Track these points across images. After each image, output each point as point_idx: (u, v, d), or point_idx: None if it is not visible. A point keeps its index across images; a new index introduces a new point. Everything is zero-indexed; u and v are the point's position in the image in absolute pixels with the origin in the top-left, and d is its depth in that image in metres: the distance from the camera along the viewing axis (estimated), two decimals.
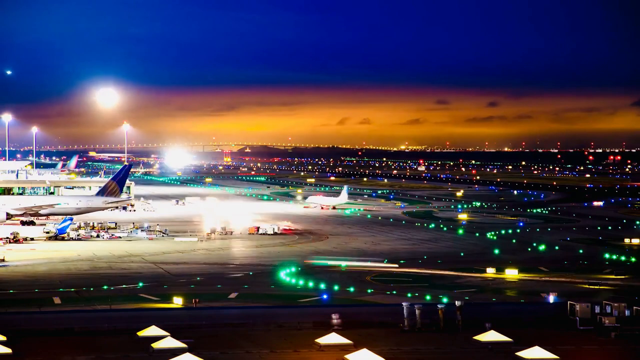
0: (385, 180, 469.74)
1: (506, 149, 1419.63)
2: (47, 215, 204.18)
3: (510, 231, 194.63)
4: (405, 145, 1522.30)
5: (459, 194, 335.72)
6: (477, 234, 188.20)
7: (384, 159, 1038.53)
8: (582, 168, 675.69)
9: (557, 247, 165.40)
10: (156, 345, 73.28)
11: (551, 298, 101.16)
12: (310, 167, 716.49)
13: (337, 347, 74.01)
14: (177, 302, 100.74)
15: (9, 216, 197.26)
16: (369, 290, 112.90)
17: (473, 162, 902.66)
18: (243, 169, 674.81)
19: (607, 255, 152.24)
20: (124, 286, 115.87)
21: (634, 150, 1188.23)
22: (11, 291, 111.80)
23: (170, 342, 73.52)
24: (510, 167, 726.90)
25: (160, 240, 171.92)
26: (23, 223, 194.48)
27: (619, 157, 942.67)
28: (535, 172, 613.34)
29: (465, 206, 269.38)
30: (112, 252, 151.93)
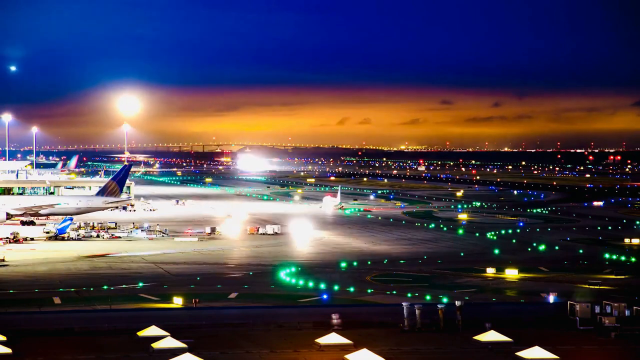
0: (385, 180, 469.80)
1: (506, 149, 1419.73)
2: (47, 215, 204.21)
3: (510, 231, 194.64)
4: (405, 145, 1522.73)
5: (459, 194, 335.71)
6: (477, 234, 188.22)
7: (384, 159, 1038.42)
8: (582, 168, 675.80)
9: (557, 247, 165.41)
10: (156, 345, 73.27)
11: (551, 298, 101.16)
12: (310, 167, 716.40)
13: (337, 347, 74.00)
14: (177, 302, 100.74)
15: (9, 216, 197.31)
16: (369, 290, 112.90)
17: (473, 162, 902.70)
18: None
19: (607, 255, 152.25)
20: (124, 286, 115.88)
21: (634, 150, 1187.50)
22: (11, 291, 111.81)
23: (170, 342, 73.50)
24: (510, 167, 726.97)
25: (160, 240, 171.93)
26: (23, 223, 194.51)
27: (619, 157, 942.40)
28: (535, 172, 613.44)
29: (465, 206, 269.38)
30: (112, 252, 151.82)
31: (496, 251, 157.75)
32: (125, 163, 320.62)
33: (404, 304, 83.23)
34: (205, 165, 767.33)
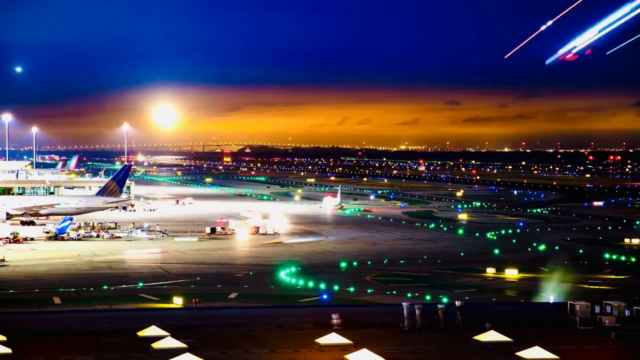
0: (385, 180, 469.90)
1: (506, 149, 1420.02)
2: (47, 215, 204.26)
3: (510, 231, 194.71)
4: (405, 145, 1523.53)
5: (459, 194, 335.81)
6: (477, 234, 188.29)
7: (384, 159, 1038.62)
8: (582, 168, 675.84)
9: (557, 247, 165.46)
10: (156, 345, 73.25)
11: (551, 298, 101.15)
12: (310, 167, 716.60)
13: (337, 347, 73.97)
14: (177, 302, 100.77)
15: (9, 216, 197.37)
16: (369, 290, 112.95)
17: (473, 162, 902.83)
18: (243, 169, 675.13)
19: (607, 255, 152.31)
20: (124, 286, 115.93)
21: (633, 150, 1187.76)
22: (11, 291, 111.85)
23: (170, 342, 73.48)
24: (510, 167, 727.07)
25: (160, 240, 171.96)
26: (23, 223, 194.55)
27: (619, 157, 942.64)
28: (535, 172, 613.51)
29: (465, 206, 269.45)
30: (112, 252, 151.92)
31: (496, 251, 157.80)
32: (125, 163, 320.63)
33: (404, 304, 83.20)
34: (205, 166, 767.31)
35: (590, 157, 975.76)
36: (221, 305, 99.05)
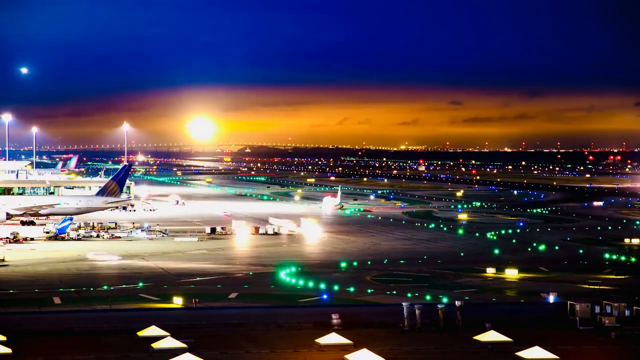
0: (385, 180, 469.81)
1: (506, 149, 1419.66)
2: (47, 215, 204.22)
3: (510, 231, 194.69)
4: (405, 145, 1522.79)
5: (459, 194, 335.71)
6: (477, 234, 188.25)
7: (384, 159, 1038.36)
8: (582, 168, 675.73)
9: (557, 247, 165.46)
10: (156, 345, 73.30)
11: (551, 298, 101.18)
12: (310, 167, 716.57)
13: (337, 347, 74.02)
14: (177, 302, 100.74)
15: (9, 216, 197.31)
16: (369, 290, 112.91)
17: (473, 162, 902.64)
18: (243, 169, 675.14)
19: (607, 255, 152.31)
20: (124, 286, 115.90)
21: (634, 150, 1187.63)
22: (11, 291, 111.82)
23: (170, 342, 73.53)
24: (510, 167, 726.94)
25: (160, 240, 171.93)
26: (23, 223, 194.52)
27: (619, 157, 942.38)
28: (535, 172, 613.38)
29: (465, 206, 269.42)
30: (111, 252, 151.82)
31: (496, 251, 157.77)
32: (125, 163, 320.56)
33: (404, 304, 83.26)
34: (205, 166, 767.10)
35: (590, 157, 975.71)
36: (221, 305, 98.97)
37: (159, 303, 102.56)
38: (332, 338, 75.68)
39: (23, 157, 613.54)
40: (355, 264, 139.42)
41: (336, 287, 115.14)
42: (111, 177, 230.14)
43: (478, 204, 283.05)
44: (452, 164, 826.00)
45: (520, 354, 71.59)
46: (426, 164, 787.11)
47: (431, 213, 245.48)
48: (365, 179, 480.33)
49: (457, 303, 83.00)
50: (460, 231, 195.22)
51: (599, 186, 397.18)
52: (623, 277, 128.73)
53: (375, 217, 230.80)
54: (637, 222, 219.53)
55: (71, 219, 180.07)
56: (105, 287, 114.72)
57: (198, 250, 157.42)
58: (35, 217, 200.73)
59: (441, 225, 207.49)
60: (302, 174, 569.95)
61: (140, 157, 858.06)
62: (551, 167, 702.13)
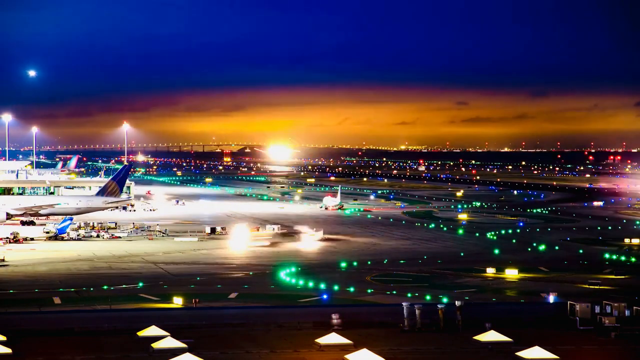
0: (385, 180, 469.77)
1: (506, 149, 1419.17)
2: (47, 215, 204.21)
3: (510, 231, 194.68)
4: (405, 145, 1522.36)
5: (459, 194, 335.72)
6: (477, 234, 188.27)
7: (384, 159, 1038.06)
8: (582, 168, 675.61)
9: (557, 247, 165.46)
10: (156, 345, 73.31)
11: (551, 298, 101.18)
12: (310, 167, 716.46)
13: (337, 347, 74.04)
14: (177, 302, 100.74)
15: (9, 216, 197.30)
16: (369, 290, 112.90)
17: (473, 162, 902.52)
18: (243, 169, 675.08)
19: (607, 255, 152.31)
20: (124, 286, 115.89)
21: (634, 150, 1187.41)
22: (11, 291, 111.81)
23: (170, 342, 73.55)
24: (510, 167, 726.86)
25: (160, 240, 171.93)
26: (23, 223, 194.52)
27: (619, 157, 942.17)
28: (535, 172, 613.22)
29: (465, 206, 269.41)
30: (112, 252, 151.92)
31: (496, 251, 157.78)
32: (125, 163, 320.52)
33: (404, 304, 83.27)
34: (205, 166, 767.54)
35: (590, 157, 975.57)
36: (221, 305, 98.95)
37: (159, 303, 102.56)
38: (332, 338, 75.70)
39: (20, 156, 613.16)
40: (355, 264, 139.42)
41: (336, 287, 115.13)
42: (111, 177, 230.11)
43: (478, 204, 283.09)
44: (452, 164, 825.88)
45: (520, 354, 71.60)
46: (426, 164, 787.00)
47: (431, 213, 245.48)
48: (365, 179, 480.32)
49: (457, 303, 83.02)
50: (460, 231, 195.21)
51: (599, 186, 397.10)
52: (623, 277, 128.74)
53: (375, 217, 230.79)
54: (637, 222, 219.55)
55: (71, 219, 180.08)
56: (105, 287, 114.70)
57: (198, 250, 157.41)
58: (35, 217, 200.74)
59: (441, 225, 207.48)
60: (302, 174, 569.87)
61: (140, 157, 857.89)
62: (551, 167, 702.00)
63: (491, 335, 77.17)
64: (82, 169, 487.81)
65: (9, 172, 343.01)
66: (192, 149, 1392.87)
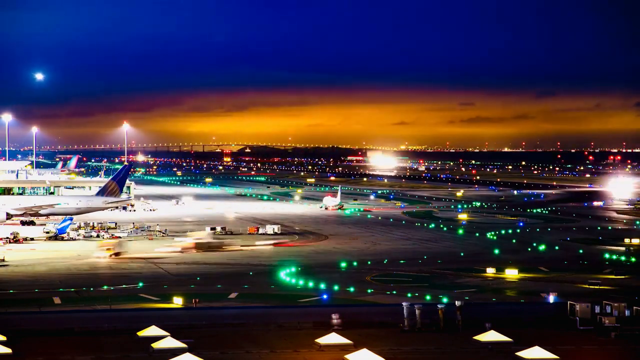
0: (385, 180, 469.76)
1: (506, 149, 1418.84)
2: (47, 215, 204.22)
3: (510, 231, 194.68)
4: (405, 145, 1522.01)
5: (459, 194, 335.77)
6: (477, 234, 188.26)
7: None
8: (582, 168, 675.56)
9: (557, 247, 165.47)
10: (156, 345, 73.32)
11: (551, 298, 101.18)
12: (310, 167, 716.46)
13: (337, 347, 74.04)
14: (177, 302, 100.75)
15: (9, 216, 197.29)
16: (369, 290, 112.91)
17: (473, 162, 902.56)
18: (243, 169, 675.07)
19: (607, 255, 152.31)
20: (124, 286, 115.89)
21: (633, 150, 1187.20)
22: (11, 291, 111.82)
23: (170, 342, 73.55)
24: (510, 167, 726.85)
25: (160, 240, 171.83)
26: (23, 223, 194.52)
27: (619, 157, 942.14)
28: (535, 172, 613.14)
29: (465, 206, 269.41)
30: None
31: (496, 251, 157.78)
32: (125, 163, 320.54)
33: (404, 304, 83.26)
34: (205, 166, 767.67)
35: (590, 157, 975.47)
36: (221, 305, 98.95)
37: (159, 303, 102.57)
38: (332, 338, 75.71)
39: (19, 156, 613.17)
40: (355, 263, 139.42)
41: (336, 287, 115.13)
42: (111, 177, 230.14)
43: (478, 204, 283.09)
44: (452, 164, 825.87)
45: (520, 354, 71.60)
46: (426, 164, 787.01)
47: (431, 213, 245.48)
48: (365, 179, 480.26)
49: (457, 303, 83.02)
50: (460, 231, 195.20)
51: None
52: (623, 277, 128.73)
53: (375, 217, 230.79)
54: (637, 222, 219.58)
55: (71, 219, 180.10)
56: (105, 287, 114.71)
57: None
58: (35, 217, 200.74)
59: (441, 225, 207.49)
60: (302, 174, 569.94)
61: (140, 157, 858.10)
62: (551, 167, 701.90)
63: (491, 335, 77.18)
64: (82, 169, 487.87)
65: (9, 172, 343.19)
66: (192, 149, 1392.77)
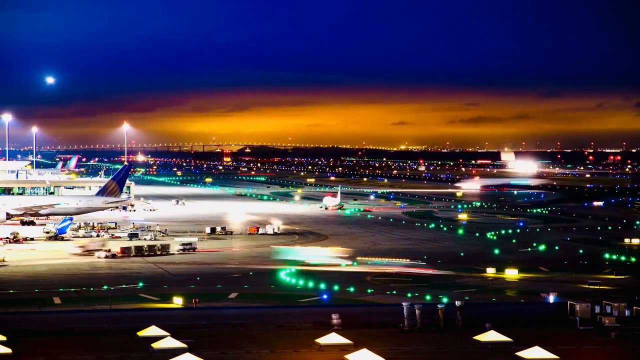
0: (385, 180, 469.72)
1: (506, 149, 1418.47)
2: (47, 215, 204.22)
3: (510, 231, 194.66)
4: (405, 145, 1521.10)
5: (459, 194, 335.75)
6: (477, 234, 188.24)
7: (384, 158, 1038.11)
8: (582, 168, 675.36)
9: (557, 247, 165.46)
10: (156, 345, 73.30)
11: (551, 298, 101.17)
12: (310, 167, 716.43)
13: (337, 347, 74.02)
14: (177, 302, 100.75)
15: (9, 216, 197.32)
16: (369, 290, 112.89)
17: (473, 162, 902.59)
18: (243, 169, 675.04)
19: (607, 255, 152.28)
20: (124, 286, 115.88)
21: (634, 150, 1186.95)
22: (11, 291, 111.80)
23: (170, 342, 73.53)
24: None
25: (161, 240, 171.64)
26: (23, 223, 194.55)
27: (619, 157, 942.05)
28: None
29: (465, 206, 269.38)
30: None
31: (496, 251, 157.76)
32: (125, 163, 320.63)
33: (404, 304, 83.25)
34: (205, 166, 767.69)
35: (590, 157, 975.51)
36: (221, 305, 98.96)
37: (159, 303, 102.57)
38: (332, 338, 75.69)
39: (19, 156, 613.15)
40: (355, 263, 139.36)
41: (336, 287, 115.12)
42: (111, 177, 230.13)
43: (478, 204, 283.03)
44: (452, 164, 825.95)
45: (520, 354, 71.59)
46: (426, 164, 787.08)
47: (431, 213, 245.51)
48: (365, 179, 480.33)
49: (457, 303, 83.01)
50: (460, 231, 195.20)
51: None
52: (623, 277, 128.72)
53: (375, 217, 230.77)
54: (637, 222, 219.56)
55: (71, 219, 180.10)
56: (105, 287, 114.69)
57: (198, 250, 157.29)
58: (35, 217, 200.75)
59: (441, 225, 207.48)
60: (302, 174, 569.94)
61: (141, 157, 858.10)
62: (551, 167, 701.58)
63: (491, 335, 77.15)
64: (82, 169, 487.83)
65: (9, 172, 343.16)
66: (192, 149, 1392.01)
